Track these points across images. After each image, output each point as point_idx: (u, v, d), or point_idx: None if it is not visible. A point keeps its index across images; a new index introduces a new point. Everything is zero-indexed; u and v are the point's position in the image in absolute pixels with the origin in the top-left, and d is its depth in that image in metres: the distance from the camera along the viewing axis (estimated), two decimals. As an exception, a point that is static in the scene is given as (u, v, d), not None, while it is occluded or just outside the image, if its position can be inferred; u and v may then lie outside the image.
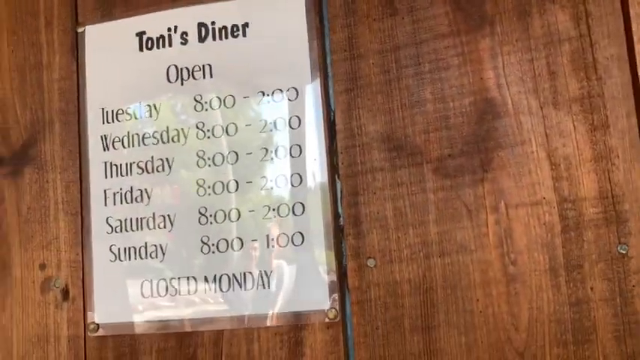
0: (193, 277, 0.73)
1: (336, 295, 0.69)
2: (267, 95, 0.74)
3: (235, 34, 0.75)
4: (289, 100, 0.73)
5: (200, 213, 0.73)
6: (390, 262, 0.68)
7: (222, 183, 0.73)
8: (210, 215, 0.73)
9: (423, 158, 0.69)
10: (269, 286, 0.71)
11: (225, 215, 0.73)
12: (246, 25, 0.75)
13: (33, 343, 0.76)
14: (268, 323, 0.71)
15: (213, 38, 0.76)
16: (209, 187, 0.74)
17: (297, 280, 0.71)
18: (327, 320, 0.69)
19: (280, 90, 0.74)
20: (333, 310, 0.69)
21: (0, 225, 0.79)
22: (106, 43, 0.79)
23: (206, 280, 0.72)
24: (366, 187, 0.70)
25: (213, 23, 0.76)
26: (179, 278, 0.73)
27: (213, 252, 0.73)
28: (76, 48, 0.80)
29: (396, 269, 0.68)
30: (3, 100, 0.81)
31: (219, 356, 0.71)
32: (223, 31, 0.76)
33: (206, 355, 0.72)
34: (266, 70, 0.74)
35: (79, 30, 0.80)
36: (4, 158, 0.80)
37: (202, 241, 0.73)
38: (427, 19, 0.71)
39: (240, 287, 0.71)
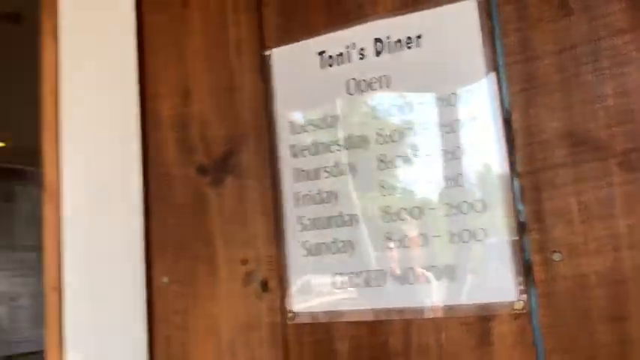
0: (381, 270, 0.79)
1: (522, 288, 0.72)
2: (443, 99, 0.79)
3: (409, 45, 0.81)
4: (464, 102, 0.78)
5: (383, 212, 0.80)
6: (577, 255, 0.70)
7: (403, 183, 0.80)
8: (394, 213, 0.80)
9: (606, 153, 0.70)
10: (454, 280, 0.76)
11: (407, 213, 0.79)
12: (419, 36, 0.81)
13: (239, 330, 0.87)
14: (455, 314, 0.75)
15: (389, 51, 0.82)
16: (391, 188, 0.80)
17: (481, 274, 0.75)
18: (513, 311, 0.72)
19: (455, 93, 0.78)
20: (521, 301, 0.72)
21: (206, 227, 0.91)
22: (290, 63, 0.88)
23: (393, 273, 0.79)
24: (548, 183, 0.73)
25: (388, 38, 0.83)
26: (368, 271, 0.80)
27: (398, 247, 0.79)
28: (263, 69, 0.90)
29: (583, 262, 0.70)
30: (203, 119, 0.94)
31: (409, 345, 0.77)
32: (398, 44, 0.82)
33: (397, 343, 0.78)
34: (440, 76, 0.79)
35: (266, 53, 0.90)
36: (207, 169, 0.93)
37: (387, 238, 0.80)
38: (603, 16, 0.73)
39: (426, 280, 0.77)
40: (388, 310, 0.79)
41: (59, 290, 1.02)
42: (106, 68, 1.04)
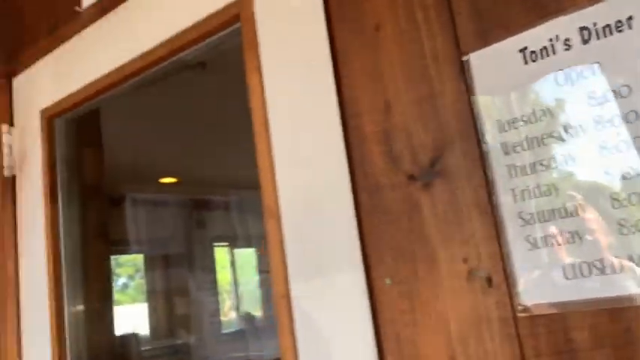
0: (617, 257, 0.78)
1: None
2: (666, 78, 0.77)
3: (620, 28, 0.81)
4: (691, 78, 0.75)
5: (612, 198, 0.79)
6: None
7: (632, 168, 0.78)
8: (624, 199, 0.78)
9: None
10: (703, 260, 0.73)
11: (639, 197, 0.77)
12: (630, 17, 0.80)
13: (468, 325, 0.91)
14: None
15: (597, 37, 0.82)
16: (617, 174, 0.79)
17: None
18: None
19: (679, 70, 0.76)
20: None
21: (422, 229, 0.97)
22: (491, 65, 0.92)
23: (631, 259, 0.77)
24: None
25: (594, 24, 0.82)
26: (601, 259, 0.80)
27: (633, 232, 0.78)
28: (463, 74, 0.94)
29: None
30: (407, 130, 1.00)
31: (658, 330, 0.75)
32: (607, 29, 0.81)
33: (644, 329, 0.76)
34: (660, 55, 0.78)
35: (464, 59, 0.94)
36: (416, 175, 0.99)
37: (619, 224, 0.79)
38: None
39: (671, 263, 0.75)
40: (629, 297, 0.78)
41: (288, 298, 1.14)
42: (306, 95, 1.15)
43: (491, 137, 0.91)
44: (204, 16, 1.36)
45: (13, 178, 1.91)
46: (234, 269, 7.71)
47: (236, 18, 1.31)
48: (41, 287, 1.75)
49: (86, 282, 1.90)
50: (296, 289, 1.13)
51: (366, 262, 1.04)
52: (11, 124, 1.94)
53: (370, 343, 1.02)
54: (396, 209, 1.01)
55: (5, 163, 1.90)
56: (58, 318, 1.71)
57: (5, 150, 1.91)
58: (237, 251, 7.76)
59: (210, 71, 1.90)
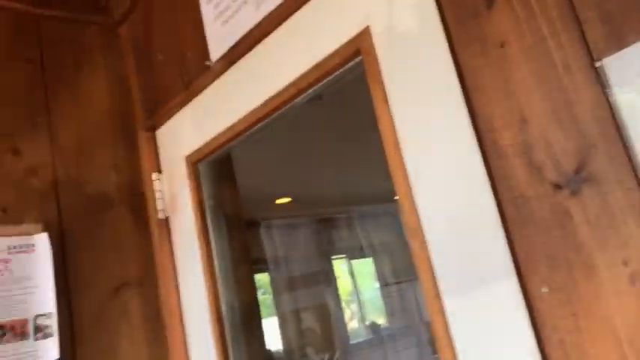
0: None
1: None
2: None
3: None
4: None
5: None
6: None
7: None
8: None
9: None
10: None
11: None
12: None
13: (637, 328, 0.91)
14: None
15: None
16: None
17: None
18: None
19: None
20: None
21: (575, 236, 0.98)
22: (627, 67, 0.92)
23: None
24: None
25: None
26: None
27: None
28: (598, 80, 0.95)
29: None
30: (547, 141, 1.03)
31: None
32: None
33: None
34: None
35: (597, 65, 0.95)
36: (562, 184, 1.00)
37: None
38: None
39: None
40: None
41: (442, 314, 1.19)
42: (437, 116, 1.21)
43: (638, 139, 0.91)
44: (325, 55, 1.47)
45: (166, 219, 2.13)
46: (354, 280, 7.86)
47: (356, 52, 1.40)
48: (203, 314, 1.94)
49: (239, 303, 2.08)
50: (450, 305, 1.18)
51: (519, 272, 1.07)
52: (159, 172, 2.18)
53: (534, 350, 1.04)
54: (544, 219, 1.03)
55: (159, 206, 2.13)
56: (221, 340, 1.89)
57: (157, 195, 2.15)
58: (354, 261, 7.92)
59: (327, 101, 2.01)
